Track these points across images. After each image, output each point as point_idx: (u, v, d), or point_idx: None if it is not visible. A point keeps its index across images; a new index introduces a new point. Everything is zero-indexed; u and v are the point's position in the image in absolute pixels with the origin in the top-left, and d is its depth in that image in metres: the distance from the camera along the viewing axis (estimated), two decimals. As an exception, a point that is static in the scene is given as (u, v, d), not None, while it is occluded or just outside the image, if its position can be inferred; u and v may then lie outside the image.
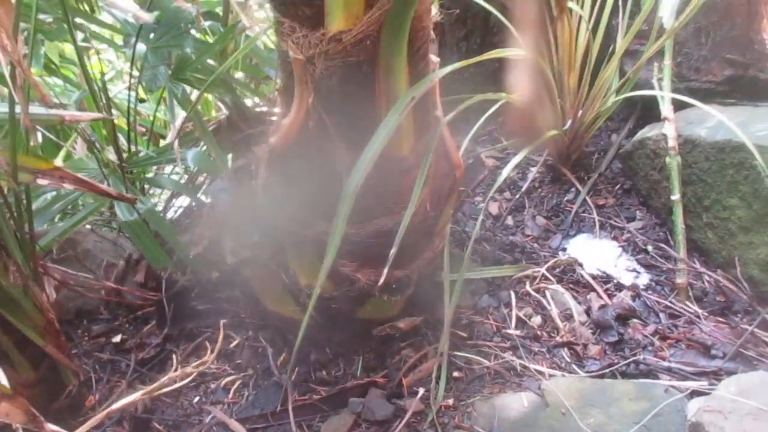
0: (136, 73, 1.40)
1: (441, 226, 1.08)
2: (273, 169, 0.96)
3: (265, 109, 1.64)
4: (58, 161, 1.73)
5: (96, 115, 1.29)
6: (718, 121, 1.19)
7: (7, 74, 0.84)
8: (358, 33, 0.76)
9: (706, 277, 1.27)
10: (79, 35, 1.54)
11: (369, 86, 0.84)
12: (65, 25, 1.27)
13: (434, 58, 0.96)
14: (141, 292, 1.33)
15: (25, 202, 1.01)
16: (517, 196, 1.51)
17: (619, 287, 1.29)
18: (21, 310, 0.97)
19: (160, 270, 1.30)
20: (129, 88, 1.53)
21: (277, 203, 0.96)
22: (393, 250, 0.80)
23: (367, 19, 0.76)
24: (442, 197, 1.04)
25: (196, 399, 1.12)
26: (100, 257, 1.45)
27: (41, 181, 0.95)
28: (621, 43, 1.34)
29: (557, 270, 1.32)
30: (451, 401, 1.05)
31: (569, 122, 1.43)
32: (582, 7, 1.37)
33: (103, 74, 1.72)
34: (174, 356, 1.18)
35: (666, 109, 1.30)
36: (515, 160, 1.20)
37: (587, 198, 1.47)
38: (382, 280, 0.85)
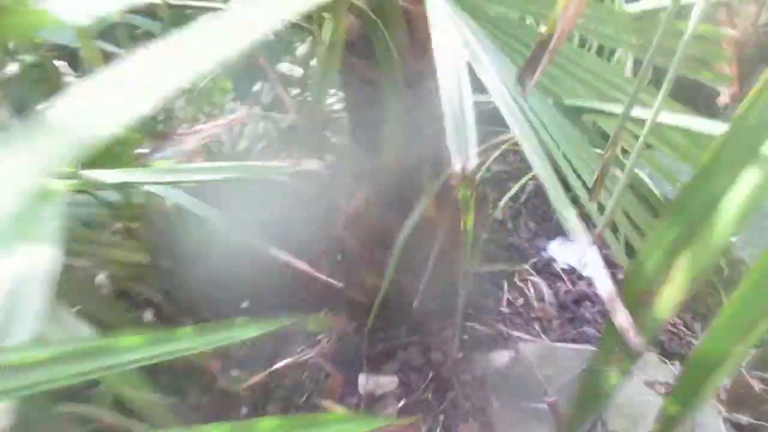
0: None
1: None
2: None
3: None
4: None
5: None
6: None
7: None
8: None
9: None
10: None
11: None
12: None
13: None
14: None
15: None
16: (517, 205, 2.10)
17: (581, 278, 1.90)
18: None
19: None
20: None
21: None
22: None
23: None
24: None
25: None
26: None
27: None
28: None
29: (539, 265, 1.93)
30: (461, 354, 1.69)
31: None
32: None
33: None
34: None
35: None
36: (519, 184, 1.79)
37: (567, 208, 2.05)
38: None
